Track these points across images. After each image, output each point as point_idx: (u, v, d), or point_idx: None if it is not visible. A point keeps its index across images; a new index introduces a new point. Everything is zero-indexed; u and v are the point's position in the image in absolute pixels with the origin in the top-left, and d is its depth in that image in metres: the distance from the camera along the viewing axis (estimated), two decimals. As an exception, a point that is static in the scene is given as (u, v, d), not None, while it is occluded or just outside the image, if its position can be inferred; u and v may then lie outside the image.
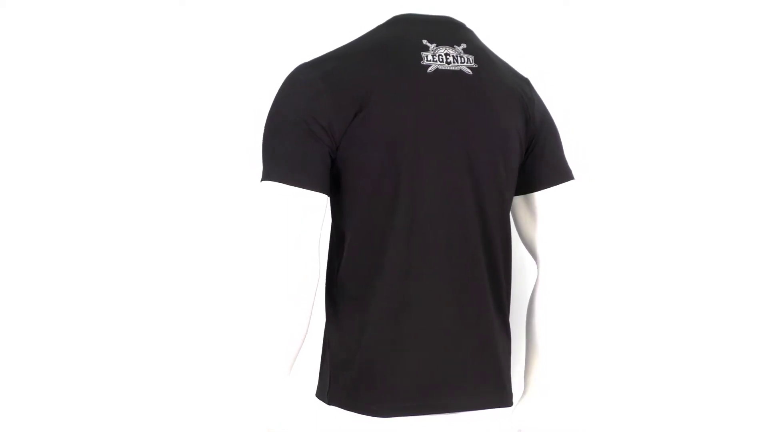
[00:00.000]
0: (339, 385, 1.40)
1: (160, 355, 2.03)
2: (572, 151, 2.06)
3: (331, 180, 1.39)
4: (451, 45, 1.44)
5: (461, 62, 1.43)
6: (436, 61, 1.41)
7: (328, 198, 1.39)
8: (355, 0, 2.03)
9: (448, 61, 1.42)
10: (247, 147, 2.07)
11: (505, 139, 1.46)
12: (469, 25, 1.55)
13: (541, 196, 1.54)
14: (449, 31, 1.46)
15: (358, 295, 1.40)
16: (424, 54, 1.40)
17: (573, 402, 2.03)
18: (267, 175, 1.37)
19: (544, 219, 1.55)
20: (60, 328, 2.02)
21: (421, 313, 1.39)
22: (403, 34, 1.42)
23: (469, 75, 1.44)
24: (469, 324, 1.42)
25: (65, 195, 2.03)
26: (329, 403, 1.41)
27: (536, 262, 1.60)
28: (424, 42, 1.42)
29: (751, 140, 2.01)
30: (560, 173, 1.56)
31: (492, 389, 1.45)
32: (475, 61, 1.45)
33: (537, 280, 1.58)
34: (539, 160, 1.54)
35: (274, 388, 1.35)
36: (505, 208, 1.48)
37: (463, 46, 1.45)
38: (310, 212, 1.34)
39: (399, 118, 1.37)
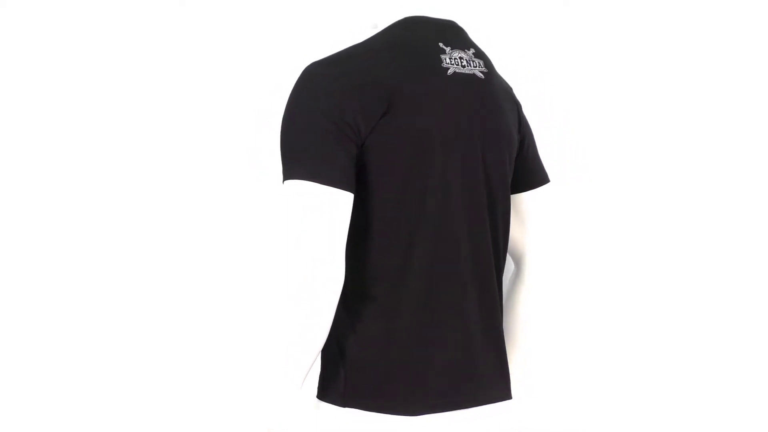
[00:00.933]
0: (359, 386, 1.39)
1: (159, 356, 2.03)
2: (572, 151, 2.07)
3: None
4: (463, 49, 1.48)
5: (474, 66, 1.47)
6: (453, 65, 1.45)
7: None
8: (354, 0, 2.03)
9: (463, 64, 1.46)
10: (247, 147, 2.07)
11: (510, 140, 1.53)
12: (468, 27, 1.57)
13: (528, 197, 1.59)
14: (458, 35, 1.50)
15: (383, 293, 1.39)
16: (442, 57, 1.44)
17: (556, 401, 2.03)
18: (295, 174, 1.34)
19: (531, 219, 1.59)
20: (64, 328, 2.02)
21: (449, 310, 1.41)
22: (422, 36, 1.45)
23: (482, 79, 1.49)
24: (487, 318, 1.46)
25: (65, 195, 2.03)
26: (344, 405, 1.40)
27: (515, 261, 1.64)
28: (441, 45, 1.45)
29: (751, 140, 2.01)
30: (543, 175, 1.63)
31: (503, 381, 1.49)
32: (485, 66, 1.50)
33: (517, 279, 1.62)
34: (525, 161, 1.60)
35: (291, 397, 1.34)
36: (509, 207, 1.51)
37: (472, 50, 1.50)
38: (342, 212, 1.33)
39: (426, 119, 1.39)
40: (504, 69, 2.09)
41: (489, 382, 1.45)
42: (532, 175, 1.61)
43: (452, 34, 1.48)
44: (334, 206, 1.32)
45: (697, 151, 2.02)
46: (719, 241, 2.01)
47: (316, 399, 1.45)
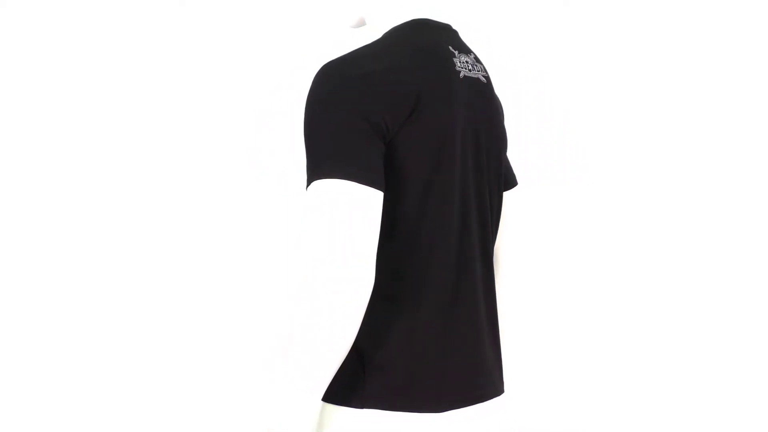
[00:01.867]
0: (381, 386, 1.37)
1: (159, 356, 2.04)
2: (572, 151, 2.07)
3: None
4: (466, 53, 1.51)
5: (477, 71, 1.50)
6: (463, 68, 1.48)
7: None
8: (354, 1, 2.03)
9: (469, 68, 1.49)
10: (247, 146, 2.07)
11: (505, 142, 1.58)
12: (469, 27, 1.61)
13: (505, 197, 1.64)
14: (459, 39, 1.52)
15: (405, 292, 1.38)
16: (454, 60, 1.46)
17: (533, 395, 2.04)
18: (330, 173, 1.31)
19: (505, 218, 1.64)
20: (63, 327, 2.02)
21: (466, 307, 1.43)
22: (434, 40, 1.46)
23: (485, 83, 1.51)
24: (490, 315, 1.50)
25: (66, 194, 2.03)
26: (362, 407, 1.39)
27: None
28: (450, 48, 1.47)
29: (750, 140, 2.01)
30: (514, 176, 1.68)
31: (501, 376, 1.52)
32: (484, 70, 1.52)
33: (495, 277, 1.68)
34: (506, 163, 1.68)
35: (315, 405, 1.32)
36: (501, 207, 1.60)
37: (473, 55, 1.52)
38: (376, 212, 1.31)
39: (447, 120, 1.41)
40: (504, 69, 2.09)
41: (494, 377, 1.48)
42: (509, 175, 1.65)
43: (455, 38, 1.51)
44: (369, 206, 1.31)
45: (697, 151, 2.03)
46: (719, 240, 2.02)
47: (321, 402, 1.44)
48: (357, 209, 1.30)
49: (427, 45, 1.45)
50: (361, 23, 1.54)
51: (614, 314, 2.05)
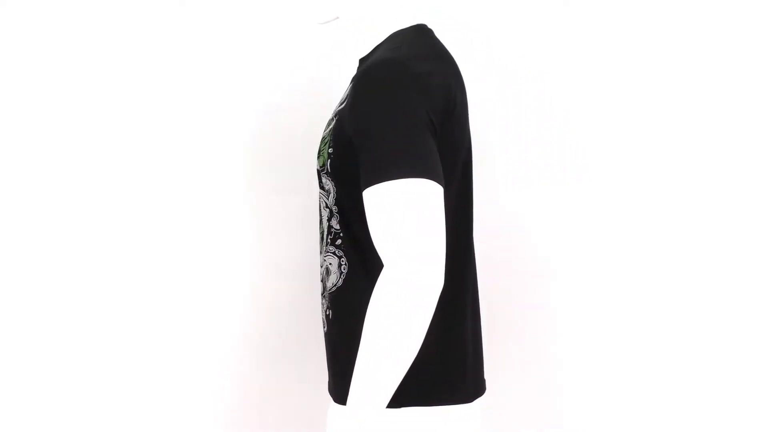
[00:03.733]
0: (416, 384, 1.37)
1: (158, 357, 2.03)
2: (572, 151, 2.07)
3: None
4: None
5: None
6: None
7: None
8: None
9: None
10: (247, 147, 2.07)
11: None
12: (469, 27, 1.63)
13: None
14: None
15: (445, 291, 1.35)
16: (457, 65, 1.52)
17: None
18: (409, 172, 1.29)
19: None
20: (63, 328, 2.02)
21: (478, 301, 1.52)
22: (442, 45, 1.51)
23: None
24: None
25: (66, 195, 2.02)
26: (399, 406, 1.37)
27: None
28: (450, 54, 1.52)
29: (750, 140, 2.01)
30: None
31: None
32: None
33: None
34: None
35: (382, 410, 1.30)
36: None
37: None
38: (443, 210, 1.31)
39: (467, 123, 1.49)
40: (504, 69, 2.09)
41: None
42: None
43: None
44: (442, 204, 1.30)
45: (698, 151, 2.03)
46: (720, 242, 2.02)
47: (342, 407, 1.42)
48: (437, 208, 1.29)
49: (442, 51, 1.48)
50: (332, 19, 1.54)
51: (615, 314, 2.05)
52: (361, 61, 1.54)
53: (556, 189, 2.07)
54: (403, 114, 1.32)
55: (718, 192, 2.02)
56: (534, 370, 2.08)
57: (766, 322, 2.00)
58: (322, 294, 1.50)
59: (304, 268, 2.02)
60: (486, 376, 1.55)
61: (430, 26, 1.54)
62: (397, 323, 1.26)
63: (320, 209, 1.50)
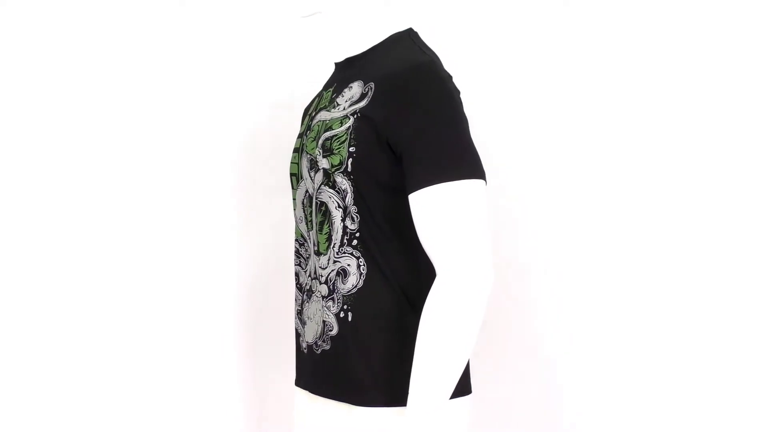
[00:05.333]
0: (463, 377, 1.45)
1: (148, 356, 2.03)
2: (572, 151, 2.07)
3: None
4: None
5: None
6: None
7: None
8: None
9: None
10: (247, 147, 2.07)
11: None
12: (469, 27, 1.63)
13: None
14: None
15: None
16: None
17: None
18: (472, 173, 1.36)
19: None
20: (62, 328, 2.02)
21: None
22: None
23: None
24: None
25: (66, 196, 2.02)
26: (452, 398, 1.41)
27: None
28: None
29: (750, 140, 2.01)
30: None
31: None
32: None
33: None
34: None
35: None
36: None
37: None
38: None
39: None
40: (504, 69, 2.09)
41: None
42: None
43: None
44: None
45: (699, 151, 2.03)
46: (721, 243, 2.02)
47: (389, 408, 1.42)
48: (485, 207, 1.37)
49: (436, 57, 1.49)
50: (313, 13, 1.54)
51: (616, 315, 2.05)
52: (351, 60, 1.53)
53: (556, 189, 2.07)
54: (459, 117, 1.39)
55: (718, 192, 2.02)
56: (534, 370, 2.08)
57: (767, 322, 2.00)
58: (326, 296, 1.46)
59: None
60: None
61: (415, 30, 1.54)
62: (467, 323, 1.32)
63: (325, 209, 1.47)
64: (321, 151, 1.45)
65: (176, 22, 2.04)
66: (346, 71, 1.53)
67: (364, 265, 1.43)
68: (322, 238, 1.47)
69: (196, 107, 2.05)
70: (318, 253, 1.48)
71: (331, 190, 1.46)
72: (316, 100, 1.59)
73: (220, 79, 2.06)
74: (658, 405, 2.03)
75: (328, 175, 1.45)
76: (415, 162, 1.36)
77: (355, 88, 1.46)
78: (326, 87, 1.59)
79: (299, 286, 1.55)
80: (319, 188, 1.47)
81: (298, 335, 1.56)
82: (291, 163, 1.58)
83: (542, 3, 2.07)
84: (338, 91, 1.50)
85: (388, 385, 1.42)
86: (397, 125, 1.38)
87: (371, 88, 1.42)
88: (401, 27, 1.52)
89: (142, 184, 2.04)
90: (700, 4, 2.02)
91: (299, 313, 1.54)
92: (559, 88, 2.06)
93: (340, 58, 1.56)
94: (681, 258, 2.02)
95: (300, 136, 1.57)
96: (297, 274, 1.57)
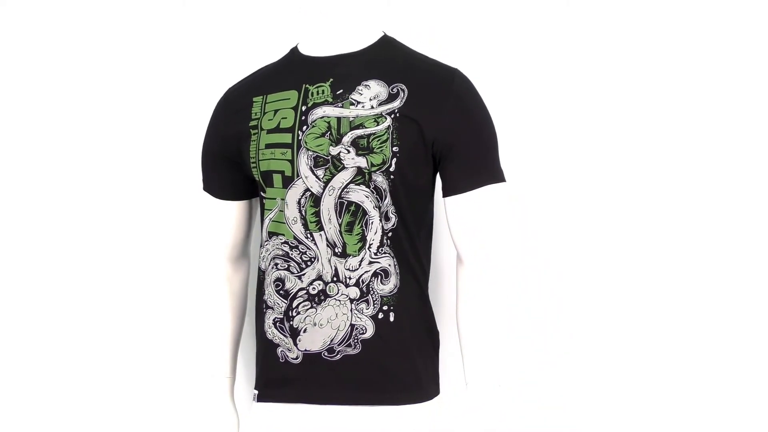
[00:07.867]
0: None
1: (143, 355, 2.03)
2: (572, 151, 2.07)
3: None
4: None
5: None
6: None
7: None
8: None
9: None
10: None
11: None
12: (469, 27, 1.65)
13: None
14: None
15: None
16: None
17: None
18: (503, 177, 1.50)
19: None
20: (62, 328, 2.02)
21: None
22: None
23: None
24: None
25: (66, 196, 2.02)
26: (435, 396, 1.52)
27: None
28: None
29: (750, 140, 2.01)
30: None
31: None
32: None
33: None
34: None
35: None
36: None
37: None
38: None
39: None
40: (504, 69, 2.09)
41: None
42: None
43: None
44: None
45: (699, 152, 2.03)
46: (721, 244, 2.02)
47: (418, 405, 1.47)
48: None
49: None
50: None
51: (616, 314, 2.05)
52: (344, 57, 1.50)
53: (556, 189, 2.07)
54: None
55: (718, 192, 2.02)
56: (534, 370, 2.08)
57: (766, 322, 2.01)
58: (358, 299, 1.42)
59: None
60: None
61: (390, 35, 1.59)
62: (506, 306, 1.47)
63: (355, 209, 1.42)
64: (352, 149, 1.41)
65: (177, 21, 2.04)
66: (337, 68, 1.48)
67: (397, 264, 1.44)
68: (353, 239, 1.43)
69: (196, 107, 2.05)
70: (344, 255, 1.43)
71: (366, 189, 1.41)
72: (299, 94, 1.48)
73: (220, 79, 2.06)
74: (658, 405, 2.03)
75: (362, 173, 1.41)
76: (471, 163, 1.44)
77: (376, 87, 1.43)
78: (310, 81, 1.48)
79: (283, 293, 1.47)
80: (345, 187, 1.41)
81: (275, 345, 1.48)
82: (272, 159, 1.46)
83: (543, 3, 2.07)
84: (344, 88, 1.45)
85: (431, 381, 1.47)
86: (450, 128, 1.43)
87: (403, 90, 1.41)
88: (385, 28, 1.53)
89: (142, 184, 2.04)
90: (701, 4, 2.02)
91: (287, 320, 1.46)
92: (558, 88, 2.06)
93: (324, 53, 1.51)
94: (681, 258, 2.02)
95: (282, 131, 1.46)
96: (281, 280, 1.48)
